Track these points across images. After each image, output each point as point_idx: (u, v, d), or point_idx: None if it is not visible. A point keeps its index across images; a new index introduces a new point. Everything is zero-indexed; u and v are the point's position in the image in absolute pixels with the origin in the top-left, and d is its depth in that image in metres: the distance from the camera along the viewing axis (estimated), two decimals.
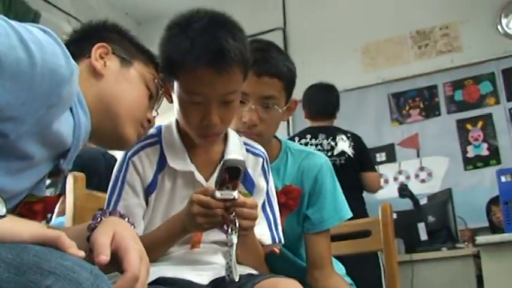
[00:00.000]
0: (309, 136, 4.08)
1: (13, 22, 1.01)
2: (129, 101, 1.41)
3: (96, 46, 1.40)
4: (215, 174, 1.53)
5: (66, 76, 1.08)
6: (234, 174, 1.33)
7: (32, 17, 5.59)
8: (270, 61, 1.84)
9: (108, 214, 1.23)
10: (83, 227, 1.26)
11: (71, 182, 1.78)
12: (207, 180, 1.60)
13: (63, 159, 1.28)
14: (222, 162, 1.32)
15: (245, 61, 1.53)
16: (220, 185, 1.34)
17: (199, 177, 1.60)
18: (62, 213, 2.12)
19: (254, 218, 1.44)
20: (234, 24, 1.54)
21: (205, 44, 1.43)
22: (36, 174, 1.25)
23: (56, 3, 6.06)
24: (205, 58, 1.42)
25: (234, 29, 1.50)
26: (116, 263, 1.09)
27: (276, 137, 2.03)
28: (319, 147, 4.03)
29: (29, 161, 1.16)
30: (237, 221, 1.37)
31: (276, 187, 1.87)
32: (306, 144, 4.02)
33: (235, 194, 1.36)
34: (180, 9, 1.58)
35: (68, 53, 1.10)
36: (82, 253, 1.01)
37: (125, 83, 1.41)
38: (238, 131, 1.82)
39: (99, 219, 1.20)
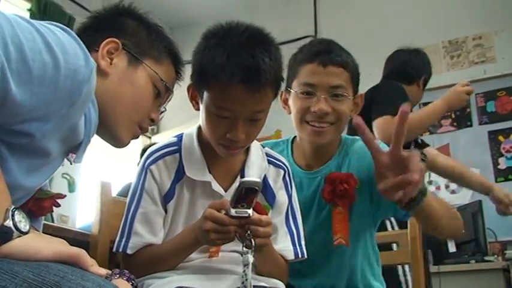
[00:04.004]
0: None
1: (36, 23, 1.04)
2: (127, 104, 1.39)
3: (105, 42, 1.37)
4: (233, 187, 1.54)
5: (87, 75, 1.11)
6: (250, 193, 1.33)
7: (67, 21, 5.66)
8: (334, 51, 1.86)
9: (117, 276, 1.22)
10: None
11: (98, 189, 1.79)
12: (225, 190, 1.61)
13: (74, 153, 1.31)
14: (239, 183, 1.32)
15: (278, 81, 1.54)
16: (236, 202, 1.35)
17: (216, 187, 1.60)
18: None
19: (268, 236, 1.45)
20: (271, 43, 1.53)
21: (241, 61, 1.42)
22: (51, 170, 1.28)
23: (90, 8, 6.13)
24: (240, 76, 1.41)
25: (271, 47, 1.50)
26: None
27: None
28: None
29: (47, 157, 1.17)
30: (252, 239, 1.38)
31: None
32: None
33: (250, 212, 1.36)
34: (213, 16, 1.59)
35: (87, 51, 1.13)
36: (103, 271, 1.02)
37: (128, 85, 1.39)
38: (305, 122, 1.83)
39: (109, 280, 1.20)
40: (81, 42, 1.13)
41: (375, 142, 1.57)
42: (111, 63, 1.37)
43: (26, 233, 0.98)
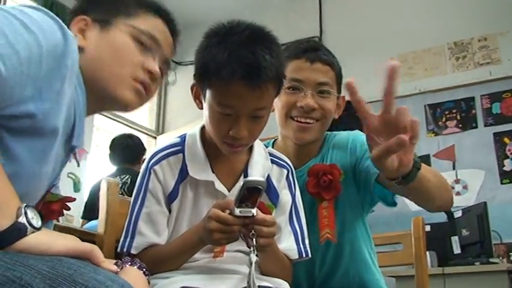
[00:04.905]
0: None
1: (9, 8, 1.06)
2: (108, 65, 1.36)
3: (74, 21, 1.39)
4: (237, 186, 1.54)
5: (66, 47, 1.12)
6: (254, 192, 1.33)
7: None
8: (322, 49, 1.91)
9: (129, 263, 1.25)
10: None
11: (104, 188, 1.80)
12: (229, 190, 1.62)
13: (74, 153, 1.34)
14: (242, 182, 1.33)
15: (279, 78, 1.54)
16: (240, 202, 1.35)
17: (220, 187, 1.61)
18: None
19: (272, 236, 1.45)
20: (273, 40, 1.54)
21: (242, 58, 1.44)
22: (56, 157, 1.27)
23: None
24: (241, 72, 1.43)
25: (272, 45, 1.51)
26: None
27: None
28: None
29: (54, 137, 1.18)
30: (255, 238, 1.38)
31: None
32: None
33: (254, 211, 1.37)
34: (218, 16, 1.59)
35: (63, 24, 1.15)
36: (115, 267, 1.04)
37: (104, 46, 1.37)
38: (290, 117, 1.85)
39: (120, 268, 1.22)
40: (55, 16, 1.14)
41: (365, 105, 1.39)
42: (84, 38, 1.38)
43: (38, 229, 1.00)
